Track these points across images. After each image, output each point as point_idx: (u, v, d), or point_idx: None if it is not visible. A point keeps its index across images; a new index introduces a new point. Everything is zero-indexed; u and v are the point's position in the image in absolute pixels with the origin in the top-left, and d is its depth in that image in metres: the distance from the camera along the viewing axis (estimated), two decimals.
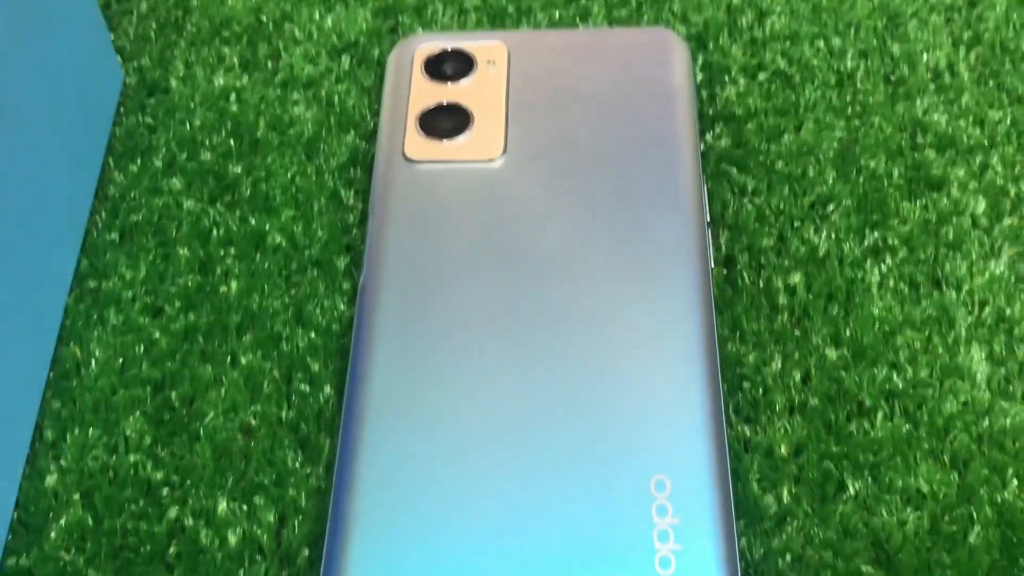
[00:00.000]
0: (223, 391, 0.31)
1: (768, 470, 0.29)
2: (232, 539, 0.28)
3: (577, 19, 0.40)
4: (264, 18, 0.40)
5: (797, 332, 0.32)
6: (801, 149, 0.35)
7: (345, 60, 0.39)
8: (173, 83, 0.38)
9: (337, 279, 0.33)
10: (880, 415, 0.30)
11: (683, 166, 0.33)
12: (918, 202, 0.34)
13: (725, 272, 0.33)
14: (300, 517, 0.29)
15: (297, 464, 0.30)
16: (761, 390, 0.31)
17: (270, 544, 0.28)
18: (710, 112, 0.37)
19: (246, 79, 0.38)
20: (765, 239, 0.33)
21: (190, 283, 0.33)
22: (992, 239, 0.33)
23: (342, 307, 0.33)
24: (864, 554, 0.28)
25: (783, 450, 0.29)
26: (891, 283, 0.32)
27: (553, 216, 0.32)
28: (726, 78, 0.38)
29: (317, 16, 0.40)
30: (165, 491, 0.29)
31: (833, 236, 0.33)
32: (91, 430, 0.30)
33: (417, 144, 0.34)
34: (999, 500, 0.28)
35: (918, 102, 0.36)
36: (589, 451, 0.27)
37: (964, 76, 0.37)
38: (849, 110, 0.36)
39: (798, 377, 0.31)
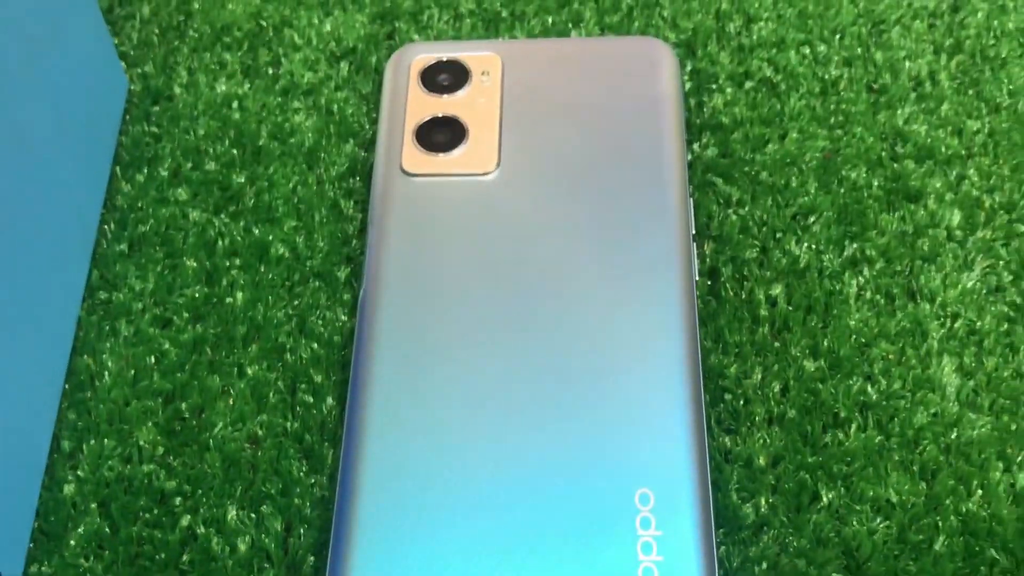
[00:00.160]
0: (231, 402, 0.33)
1: (747, 480, 0.31)
2: (242, 547, 0.30)
3: (569, 24, 0.41)
4: (264, 23, 0.41)
5: (777, 344, 0.33)
6: (785, 159, 0.37)
7: (343, 67, 0.40)
8: (176, 90, 0.39)
9: (338, 290, 0.35)
10: (854, 426, 0.32)
11: (670, 179, 0.34)
12: (896, 213, 0.36)
13: (709, 283, 0.34)
14: (306, 526, 0.31)
15: (302, 474, 0.31)
16: (742, 401, 0.32)
17: (278, 552, 0.30)
18: (698, 121, 0.38)
19: (247, 86, 0.39)
20: (748, 250, 0.35)
21: (197, 294, 0.35)
22: (966, 251, 0.35)
23: (343, 318, 0.34)
24: (835, 563, 0.29)
25: (762, 460, 0.31)
26: (868, 295, 0.34)
27: (543, 229, 0.33)
28: (714, 86, 0.39)
29: (316, 21, 0.41)
30: (178, 500, 0.31)
31: (814, 247, 0.35)
32: (106, 441, 0.32)
33: (414, 158, 0.35)
34: (964, 510, 0.30)
35: (899, 111, 0.38)
36: (578, 464, 0.29)
37: (944, 85, 0.38)
38: (832, 119, 0.38)
39: (777, 388, 0.32)
